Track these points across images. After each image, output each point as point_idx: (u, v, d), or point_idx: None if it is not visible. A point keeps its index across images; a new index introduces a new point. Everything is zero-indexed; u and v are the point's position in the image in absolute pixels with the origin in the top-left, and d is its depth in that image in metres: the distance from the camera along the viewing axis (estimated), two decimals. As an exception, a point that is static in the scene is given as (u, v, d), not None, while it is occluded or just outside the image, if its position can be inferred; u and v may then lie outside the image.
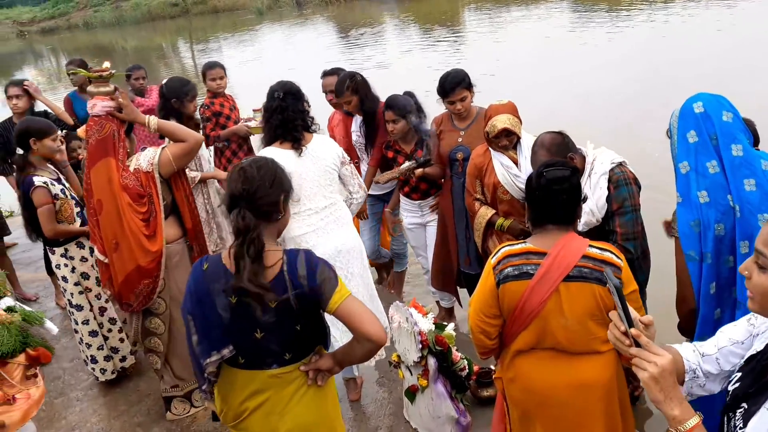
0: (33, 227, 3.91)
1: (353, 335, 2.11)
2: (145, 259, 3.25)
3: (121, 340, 4.11)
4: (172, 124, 3.55)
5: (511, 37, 16.48)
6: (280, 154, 3.16)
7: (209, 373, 2.17)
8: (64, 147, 4.04)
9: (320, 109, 4.30)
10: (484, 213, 3.61)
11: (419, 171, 4.01)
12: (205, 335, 2.13)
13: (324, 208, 3.35)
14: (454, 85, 3.78)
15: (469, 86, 3.83)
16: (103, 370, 4.07)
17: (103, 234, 3.27)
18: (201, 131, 4.86)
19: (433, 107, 4.18)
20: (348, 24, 24.25)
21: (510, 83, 10.27)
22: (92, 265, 3.96)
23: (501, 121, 3.37)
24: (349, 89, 4.23)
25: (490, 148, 3.55)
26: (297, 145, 3.28)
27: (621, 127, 7.86)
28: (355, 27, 22.90)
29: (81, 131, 3.57)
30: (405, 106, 4.04)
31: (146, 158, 3.31)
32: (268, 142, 3.35)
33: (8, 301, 2.44)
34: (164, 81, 4.25)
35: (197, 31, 29.22)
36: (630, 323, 1.46)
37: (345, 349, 2.21)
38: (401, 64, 15.16)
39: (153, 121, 3.34)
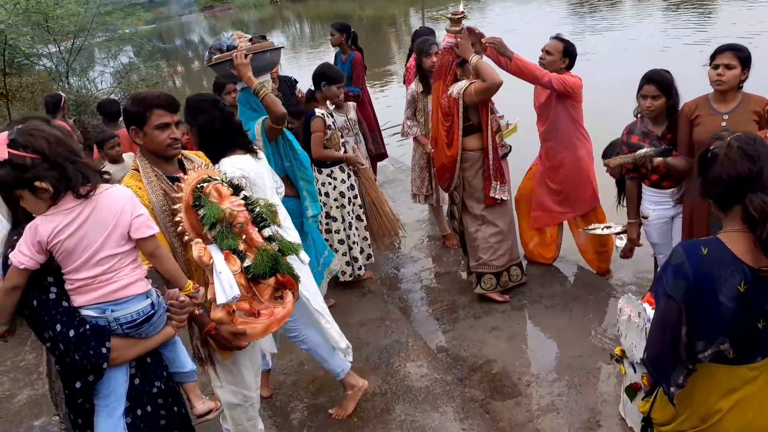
0: (306, 148, 4.61)
1: None
2: (444, 159, 4.48)
3: (361, 251, 5.02)
4: (488, 66, 4.18)
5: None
6: (243, 161, 3.14)
7: (689, 370, 1.98)
8: (342, 96, 4.95)
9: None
10: None
11: (659, 160, 3.59)
12: (700, 326, 1.92)
13: (279, 207, 3.15)
14: (724, 48, 3.41)
15: (742, 59, 3.38)
16: (343, 272, 5.00)
17: (432, 134, 4.73)
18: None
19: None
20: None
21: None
22: (348, 187, 4.87)
23: None
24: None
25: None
26: (252, 149, 3.24)
27: None
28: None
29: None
30: (670, 81, 3.65)
31: (458, 88, 4.27)
32: (217, 154, 3.10)
33: (269, 231, 2.67)
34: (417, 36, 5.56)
35: (430, 0, 29.59)
36: None
37: None
38: (637, 29, 14.19)
39: (474, 59, 4.17)
